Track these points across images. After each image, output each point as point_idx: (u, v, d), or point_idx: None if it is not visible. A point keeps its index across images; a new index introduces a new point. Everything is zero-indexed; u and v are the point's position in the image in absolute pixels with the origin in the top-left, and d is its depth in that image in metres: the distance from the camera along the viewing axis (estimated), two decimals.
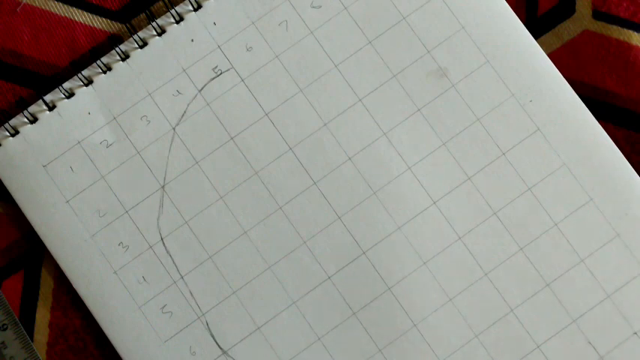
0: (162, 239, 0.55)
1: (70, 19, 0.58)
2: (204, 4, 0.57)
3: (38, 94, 0.56)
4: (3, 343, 0.54)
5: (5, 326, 0.54)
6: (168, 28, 0.57)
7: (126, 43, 0.57)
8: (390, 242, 0.55)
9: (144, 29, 0.57)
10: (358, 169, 0.55)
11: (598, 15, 0.57)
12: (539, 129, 0.55)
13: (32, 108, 0.56)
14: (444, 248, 0.54)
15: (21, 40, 0.58)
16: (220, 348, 0.54)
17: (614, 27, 0.56)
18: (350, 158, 0.55)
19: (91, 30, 0.58)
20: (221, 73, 0.56)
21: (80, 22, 0.58)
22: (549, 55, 0.56)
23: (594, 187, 0.55)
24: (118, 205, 0.55)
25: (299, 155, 0.56)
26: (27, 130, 0.56)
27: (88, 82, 0.56)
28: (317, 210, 0.55)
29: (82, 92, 0.56)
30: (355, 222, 0.55)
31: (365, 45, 0.56)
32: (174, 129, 0.56)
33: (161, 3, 0.58)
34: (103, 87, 0.56)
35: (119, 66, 0.56)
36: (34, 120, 0.56)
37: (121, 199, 0.55)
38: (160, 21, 0.57)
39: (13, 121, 0.56)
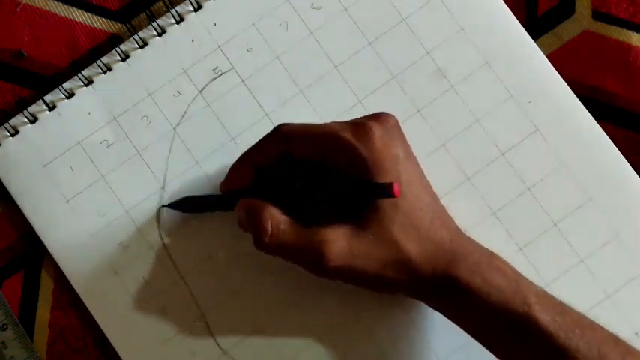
0: (162, 239, 0.55)
1: (70, 19, 0.58)
2: (205, 5, 0.57)
3: (38, 94, 0.56)
4: (3, 343, 0.54)
5: (5, 326, 0.54)
6: (169, 29, 0.57)
7: (126, 43, 0.57)
8: None
9: (144, 29, 0.57)
10: None
11: (597, 15, 0.57)
12: (538, 130, 0.55)
13: (32, 108, 0.56)
14: None
15: (21, 40, 0.57)
16: (220, 348, 0.54)
17: (614, 27, 0.57)
18: None
19: (91, 30, 0.58)
20: (221, 74, 0.56)
21: (80, 22, 0.58)
22: (549, 56, 0.56)
23: (594, 187, 0.55)
24: (118, 205, 0.55)
25: None
26: (27, 130, 0.56)
27: (88, 82, 0.56)
28: None
29: (82, 92, 0.56)
30: None
31: (365, 46, 0.57)
32: (174, 129, 0.56)
33: (161, 3, 0.58)
34: (103, 87, 0.56)
35: (119, 66, 0.56)
36: (34, 120, 0.56)
37: (121, 199, 0.55)
38: (160, 21, 0.57)
39: (13, 121, 0.56)
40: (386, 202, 0.48)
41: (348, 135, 0.48)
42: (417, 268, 0.48)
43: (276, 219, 0.48)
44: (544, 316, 0.46)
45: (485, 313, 0.47)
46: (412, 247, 0.48)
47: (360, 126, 0.49)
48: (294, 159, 0.50)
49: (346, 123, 0.49)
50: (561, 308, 0.48)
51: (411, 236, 0.48)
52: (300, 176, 0.50)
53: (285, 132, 0.50)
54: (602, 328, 0.48)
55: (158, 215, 0.55)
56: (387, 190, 0.46)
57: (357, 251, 0.47)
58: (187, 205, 0.54)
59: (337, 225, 0.48)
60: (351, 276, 0.48)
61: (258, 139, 0.51)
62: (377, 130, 0.48)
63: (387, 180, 0.47)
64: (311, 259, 0.48)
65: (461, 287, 0.47)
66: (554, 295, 0.49)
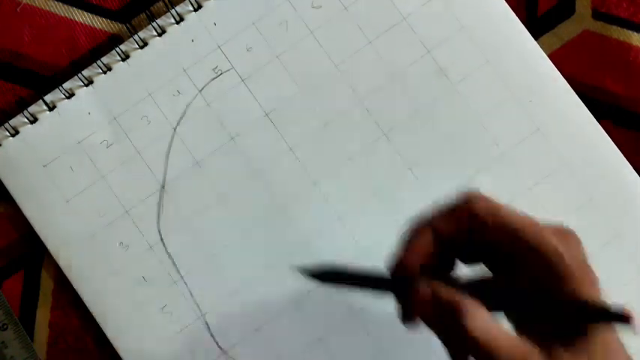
0: (162, 239, 0.55)
1: (70, 19, 0.58)
2: (205, 5, 0.57)
3: (38, 94, 0.56)
4: (3, 343, 0.54)
5: (5, 326, 0.54)
6: (169, 29, 0.57)
7: (126, 43, 0.57)
8: (391, 242, 0.54)
9: (144, 29, 0.57)
10: (358, 169, 0.55)
11: (598, 15, 0.57)
12: (539, 129, 0.55)
13: (32, 108, 0.56)
14: None
15: (21, 40, 0.58)
16: (220, 348, 0.54)
17: (614, 27, 0.57)
18: (350, 158, 0.55)
19: (91, 30, 0.58)
20: (221, 74, 0.56)
21: (80, 22, 0.58)
22: (549, 55, 0.56)
23: (594, 187, 0.55)
24: (118, 205, 0.55)
25: (299, 155, 0.55)
26: (27, 130, 0.56)
27: (88, 82, 0.56)
28: (317, 210, 0.55)
29: (82, 92, 0.56)
30: (356, 222, 0.55)
31: (365, 45, 0.57)
32: (174, 129, 0.56)
33: (161, 3, 0.58)
34: (103, 87, 0.56)
35: (119, 66, 0.56)
36: (34, 120, 0.56)
37: (121, 199, 0.55)
38: (160, 21, 0.57)
39: (13, 121, 0.56)
40: (599, 334, 0.40)
41: (553, 238, 0.41)
42: None
43: (486, 326, 0.39)
44: None
45: None
46: None
47: (565, 232, 0.42)
48: (486, 239, 0.42)
49: (547, 223, 0.42)
50: None
51: None
52: (498, 266, 0.43)
53: (480, 209, 0.42)
54: None
55: (158, 216, 0.55)
56: (624, 317, 0.38)
57: None
58: (333, 277, 0.44)
59: (539, 350, 0.39)
60: None
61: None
62: (582, 245, 0.42)
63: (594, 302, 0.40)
64: None
65: None
66: None
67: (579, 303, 0.40)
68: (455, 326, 0.39)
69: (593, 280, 0.41)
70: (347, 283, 0.43)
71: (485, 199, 0.42)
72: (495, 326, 0.39)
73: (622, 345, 0.41)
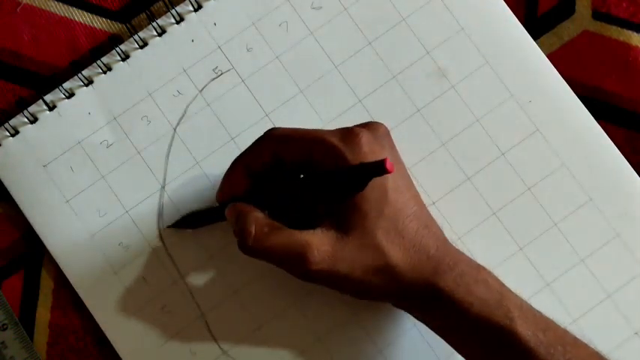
0: (162, 239, 0.55)
1: (70, 19, 0.58)
2: (205, 5, 0.57)
3: (38, 94, 0.56)
4: (3, 343, 0.54)
5: (5, 326, 0.54)
6: (169, 29, 0.57)
7: (126, 43, 0.57)
8: None
9: (144, 29, 0.57)
10: None
11: (598, 15, 0.57)
12: (538, 129, 0.55)
13: (32, 108, 0.56)
14: None
15: (21, 40, 0.57)
16: (220, 348, 0.54)
17: (614, 27, 0.57)
18: None
19: (91, 30, 0.58)
20: (221, 74, 0.56)
21: (80, 22, 0.58)
22: (549, 56, 0.56)
23: (594, 187, 0.55)
24: (118, 205, 0.55)
25: None
26: (27, 130, 0.56)
27: (88, 82, 0.56)
28: None
29: (82, 92, 0.56)
30: None
31: (365, 46, 0.57)
32: (174, 129, 0.56)
33: (161, 3, 0.58)
34: (103, 87, 0.56)
35: (119, 66, 0.56)
36: (34, 120, 0.56)
37: (121, 199, 0.55)
38: (160, 21, 0.57)
39: (13, 121, 0.56)
40: (371, 208, 0.47)
41: (335, 139, 0.48)
42: (401, 275, 0.47)
43: (260, 222, 0.48)
44: (525, 331, 0.46)
45: (466, 325, 0.47)
46: (396, 253, 0.47)
47: (348, 132, 0.49)
48: (287, 165, 0.49)
49: (336, 129, 0.49)
50: (545, 324, 0.47)
51: (395, 243, 0.47)
52: (294, 179, 0.50)
53: (275, 135, 0.50)
54: (586, 346, 0.48)
55: (158, 216, 0.55)
56: (379, 168, 0.45)
57: (340, 256, 0.47)
58: (189, 222, 0.54)
59: (322, 229, 0.48)
60: (334, 281, 0.48)
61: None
62: (364, 136, 0.48)
63: (372, 184, 0.47)
64: (293, 262, 0.47)
65: (444, 297, 0.47)
66: (541, 311, 0.48)
67: (349, 166, 0.47)
68: (240, 226, 0.48)
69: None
70: (201, 223, 0.54)
71: (280, 127, 0.50)
72: (269, 223, 0.48)
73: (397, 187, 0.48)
